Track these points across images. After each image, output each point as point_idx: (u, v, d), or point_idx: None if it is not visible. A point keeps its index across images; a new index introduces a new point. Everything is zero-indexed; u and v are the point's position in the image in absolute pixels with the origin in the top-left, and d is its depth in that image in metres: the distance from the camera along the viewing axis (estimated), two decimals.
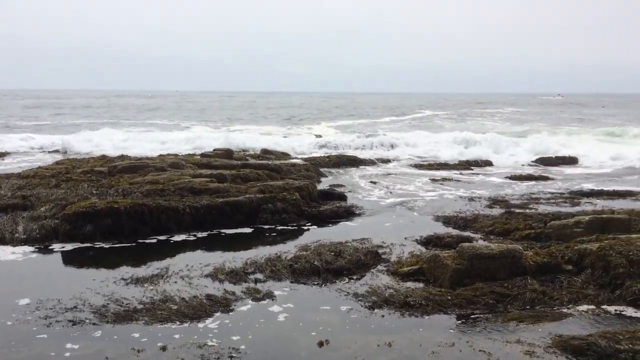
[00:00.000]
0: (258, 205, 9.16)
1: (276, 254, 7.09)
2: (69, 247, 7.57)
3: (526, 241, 7.62)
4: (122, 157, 14.28)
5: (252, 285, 6.03)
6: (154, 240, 7.99)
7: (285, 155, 18.15)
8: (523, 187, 13.22)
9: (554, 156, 18.94)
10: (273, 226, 8.89)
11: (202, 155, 15.86)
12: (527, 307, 5.44)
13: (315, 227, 9.04)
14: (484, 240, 7.73)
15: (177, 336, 4.74)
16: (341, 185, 12.71)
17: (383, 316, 5.25)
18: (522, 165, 17.94)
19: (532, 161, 18.52)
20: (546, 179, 14.56)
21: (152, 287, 5.89)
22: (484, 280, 5.87)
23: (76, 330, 4.85)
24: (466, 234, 8.30)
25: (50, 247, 7.54)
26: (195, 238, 8.22)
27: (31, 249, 7.45)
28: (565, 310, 5.35)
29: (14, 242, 7.59)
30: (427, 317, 5.23)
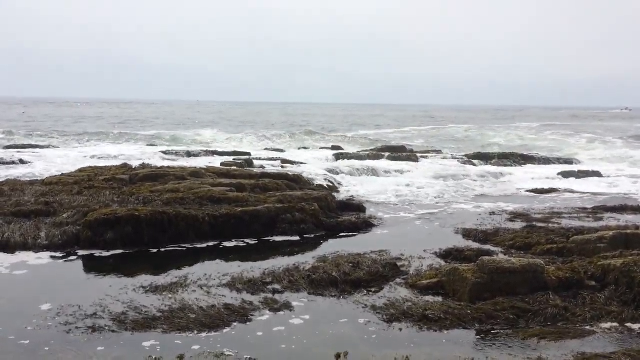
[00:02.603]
0: (277, 215, 9.17)
1: (294, 264, 7.07)
2: (89, 253, 7.65)
3: (548, 256, 7.50)
4: (144, 166, 14.41)
5: (269, 295, 6.03)
6: (173, 249, 8.04)
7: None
8: (545, 200, 13.05)
9: (576, 170, 18.68)
10: (291, 236, 8.89)
11: (222, 164, 15.95)
12: (549, 323, 5.34)
13: (334, 238, 9.01)
14: (505, 254, 7.63)
15: (195, 346, 4.74)
16: (361, 196, 12.69)
17: (401, 330, 5.20)
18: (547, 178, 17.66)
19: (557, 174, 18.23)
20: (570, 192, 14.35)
21: (170, 296, 5.91)
22: (505, 295, 5.78)
23: (95, 337, 4.88)
24: (486, 247, 8.20)
25: (71, 253, 7.62)
26: (213, 247, 8.25)
27: (53, 254, 7.55)
28: (588, 328, 5.24)
29: (37, 247, 7.70)
30: (446, 332, 5.16)
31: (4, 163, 16.70)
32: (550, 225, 9.69)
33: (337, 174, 16.00)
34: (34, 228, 8.18)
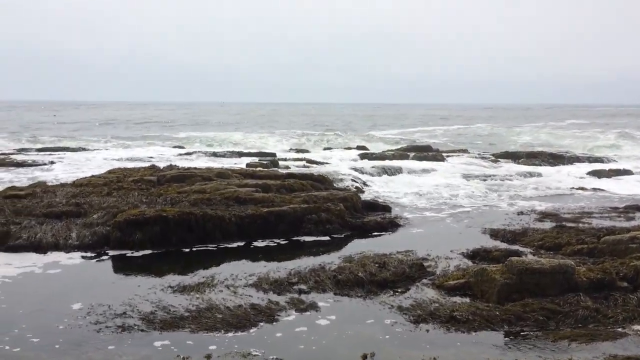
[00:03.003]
0: (302, 215, 9.19)
1: (320, 264, 7.08)
2: (119, 253, 7.78)
3: (578, 256, 7.37)
4: (171, 167, 14.59)
5: (295, 295, 6.04)
6: (200, 249, 8.12)
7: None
8: (577, 199, 12.81)
9: (607, 168, 18.30)
10: (317, 237, 8.90)
11: (248, 165, 16.06)
12: (580, 325, 5.24)
13: (359, 238, 8.99)
14: (534, 255, 7.51)
15: (222, 345, 4.78)
16: (386, 196, 12.63)
17: (428, 331, 5.16)
18: (576, 177, 17.35)
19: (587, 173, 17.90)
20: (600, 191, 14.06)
21: (198, 296, 5.97)
22: (534, 296, 5.70)
23: (125, 336, 4.96)
24: (515, 247, 8.09)
25: (102, 254, 7.76)
26: (240, 247, 8.31)
27: (84, 254, 7.69)
28: (619, 330, 5.12)
29: (68, 248, 7.86)
30: (474, 333, 5.10)
31: (36, 165, 17.08)
32: (580, 225, 9.51)
33: (363, 173, 15.96)
34: (65, 229, 8.34)
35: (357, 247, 8.27)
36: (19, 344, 4.78)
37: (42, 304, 5.77)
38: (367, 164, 18.22)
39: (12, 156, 19.44)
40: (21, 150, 22.88)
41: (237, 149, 24.68)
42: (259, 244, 8.50)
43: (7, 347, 4.70)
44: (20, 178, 14.34)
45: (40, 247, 7.79)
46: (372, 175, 16.15)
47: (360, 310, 5.73)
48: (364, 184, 14.51)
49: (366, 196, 12.45)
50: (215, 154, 21.83)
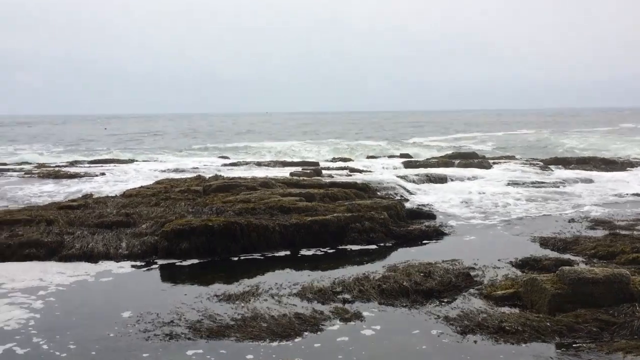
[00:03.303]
0: (346, 224, 9.17)
1: (364, 273, 7.03)
2: (166, 262, 7.94)
3: (633, 265, 7.07)
4: (217, 177, 14.83)
5: (340, 305, 6.02)
6: (245, 258, 8.21)
7: None
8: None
9: None
10: (360, 245, 8.86)
11: (292, 174, 16.16)
12: (635, 336, 5.01)
13: (404, 246, 8.90)
14: (586, 264, 7.26)
15: (267, 355, 4.80)
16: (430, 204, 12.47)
17: (476, 342, 5.04)
18: (629, 182, 16.70)
19: None
20: None
21: (243, 305, 6.03)
22: (587, 306, 5.49)
23: (172, 344, 5.04)
24: (566, 256, 7.84)
25: (150, 263, 7.94)
26: (284, 256, 8.35)
27: (133, 263, 7.89)
28: None
29: (118, 257, 8.08)
30: (524, 345, 4.96)
31: (87, 176, 17.67)
32: (635, 232, 9.14)
33: (406, 181, 15.81)
34: (115, 238, 8.59)
35: (402, 256, 8.19)
36: (72, 350, 4.93)
37: (94, 312, 5.95)
38: (410, 171, 18.04)
39: (65, 168, 20.17)
40: (74, 163, 23.72)
41: (280, 159, 24.92)
42: (303, 253, 8.52)
43: (62, 355, 4.86)
44: (72, 190, 14.85)
45: (92, 257, 8.04)
46: (416, 183, 15.98)
47: (405, 320, 5.66)
48: (408, 192, 14.36)
49: (410, 204, 12.32)
50: (259, 164, 22.07)
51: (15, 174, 18.46)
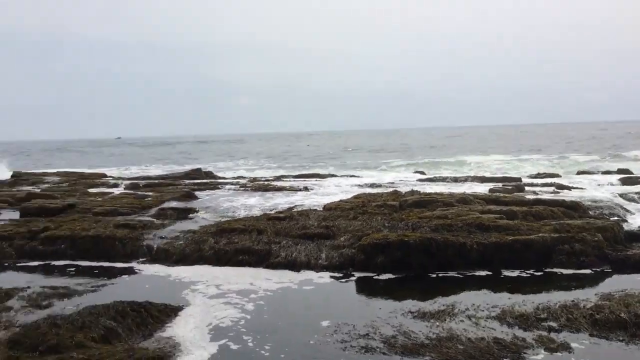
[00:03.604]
0: (552, 245, 8.47)
1: (572, 301, 6.40)
2: (363, 275, 8.14)
3: None
4: (412, 192, 14.84)
5: (544, 333, 5.55)
6: (440, 275, 8.04)
7: None
8: None
9: None
10: (568, 269, 8.09)
11: (491, 190, 15.48)
12: None
13: (620, 273, 7.92)
14: None
15: None
16: None
17: None
18: None
19: None
20: None
21: (438, 324, 5.90)
22: None
23: (368, 358, 5.13)
24: None
25: (347, 274, 8.23)
26: (481, 276, 8.00)
27: (332, 274, 8.25)
28: None
29: (317, 267, 8.53)
30: None
31: (292, 190, 19.02)
32: None
33: (625, 199, 14.09)
34: (316, 249, 9.08)
35: (618, 283, 7.29)
36: (278, 352, 5.30)
37: (297, 318, 6.34)
38: (630, 189, 16.04)
39: (273, 182, 21.99)
40: (280, 177, 25.74)
41: (479, 174, 24.04)
42: (503, 274, 8.06)
43: (269, 355, 5.25)
44: (280, 202, 16.07)
45: (294, 265, 8.61)
46: (637, 202, 14.15)
47: (622, 356, 5.02)
48: (627, 211, 12.77)
49: (630, 226, 10.92)
50: (456, 179, 21.54)
51: (232, 187, 20.66)
